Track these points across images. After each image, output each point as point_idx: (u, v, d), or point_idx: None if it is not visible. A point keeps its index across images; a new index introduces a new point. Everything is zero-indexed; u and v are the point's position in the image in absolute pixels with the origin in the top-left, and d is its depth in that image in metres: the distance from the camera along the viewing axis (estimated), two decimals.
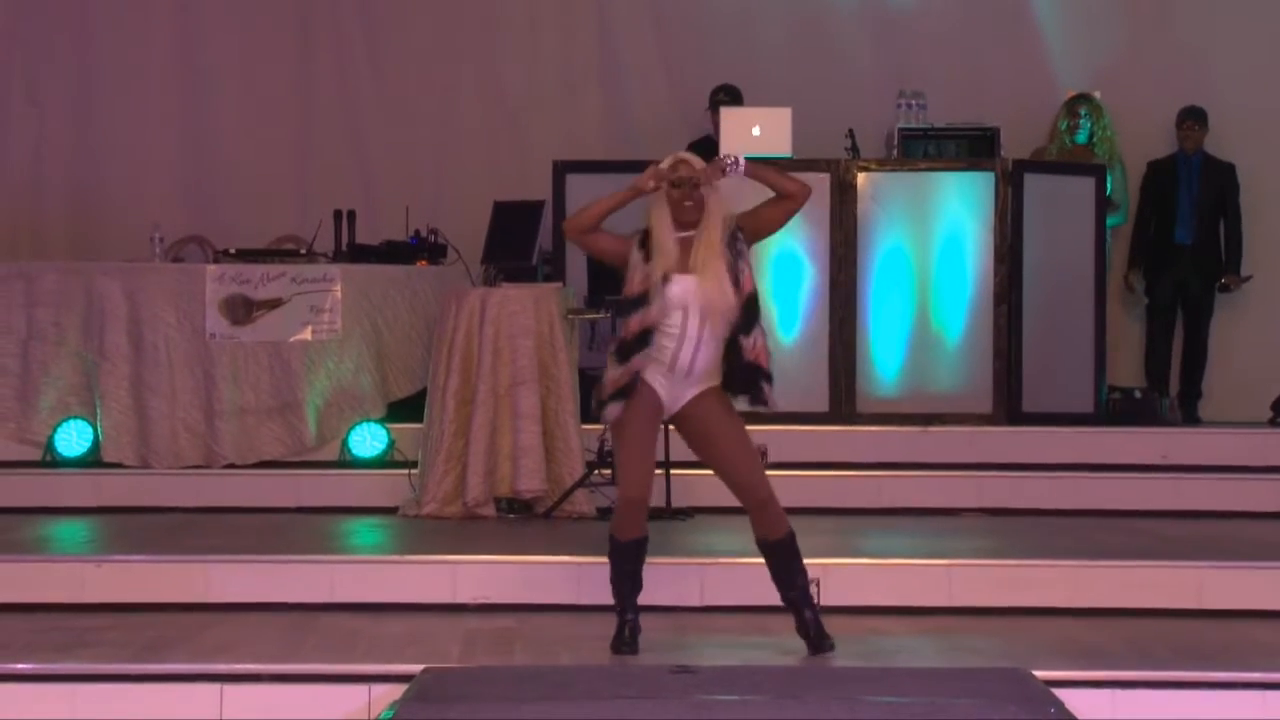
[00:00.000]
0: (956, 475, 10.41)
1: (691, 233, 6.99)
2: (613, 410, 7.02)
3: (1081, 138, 12.18)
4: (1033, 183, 11.28)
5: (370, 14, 13.13)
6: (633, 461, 7.07)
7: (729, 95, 12.22)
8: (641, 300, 6.97)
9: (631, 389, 6.98)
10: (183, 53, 13.11)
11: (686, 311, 6.94)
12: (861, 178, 11.23)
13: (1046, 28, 12.93)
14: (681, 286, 6.94)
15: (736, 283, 6.95)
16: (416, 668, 6.65)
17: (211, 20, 13.12)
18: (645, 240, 7.03)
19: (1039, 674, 6.58)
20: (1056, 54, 12.85)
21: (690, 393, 7.04)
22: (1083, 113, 12.18)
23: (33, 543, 9.06)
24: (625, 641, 7.10)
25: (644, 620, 7.14)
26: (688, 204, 6.98)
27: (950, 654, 7.18)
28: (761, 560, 8.05)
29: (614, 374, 7.01)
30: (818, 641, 7.06)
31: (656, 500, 9.55)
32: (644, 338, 6.97)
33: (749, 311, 7.01)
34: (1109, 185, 11.93)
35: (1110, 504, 10.20)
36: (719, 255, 6.95)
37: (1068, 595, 8.07)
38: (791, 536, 7.11)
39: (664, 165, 7.06)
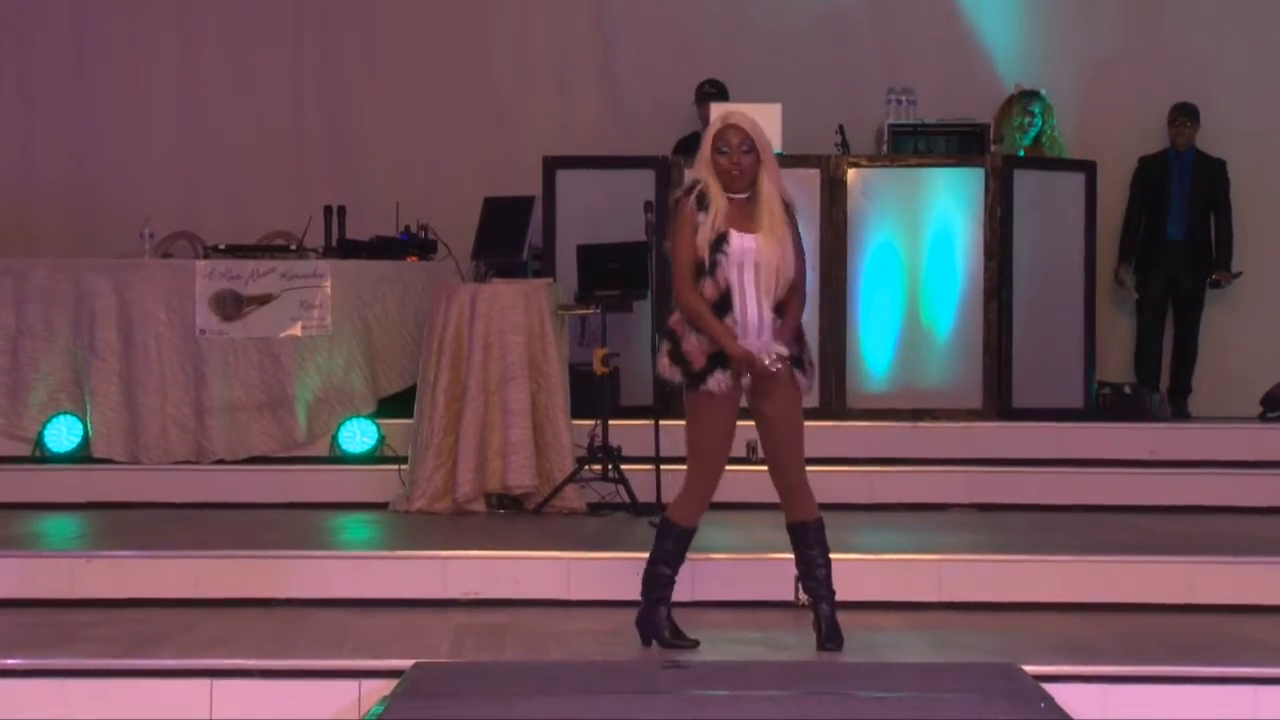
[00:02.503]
0: (947, 471, 10.40)
1: (743, 195, 6.87)
2: (720, 381, 6.83)
3: (1029, 138, 12.14)
4: (1022, 179, 11.29)
5: (363, 10, 13.11)
6: (708, 452, 6.94)
7: (715, 89, 12.22)
8: (707, 267, 6.81)
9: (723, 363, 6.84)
10: (175, 49, 13.09)
11: (741, 268, 6.80)
12: (852, 174, 11.23)
13: (1038, 24, 12.93)
14: (740, 244, 6.81)
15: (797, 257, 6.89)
16: (407, 663, 6.65)
17: (205, 16, 13.10)
18: (702, 200, 6.86)
19: (1030, 669, 6.59)
20: (1048, 50, 12.84)
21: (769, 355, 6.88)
22: (1035, 110, 12.15)
23: (23, 538, 9.05)
24: (677, 634, 7.06)
25: (633, 615, 7.13)
26: (735, 173, 6.83)
27: (941, 649, 7.18)
28: (753, 555, 8.07)
29: (699, 343, 6.84)
30: (826, 636, 7.02)
31: (646, 496, 9.60)
32: (724, 304, 6.82)
33: (800, 293, 6.95)
34: None
35: (1100, 499, 10.20)
36: (782, 220, 6.86)
37: (1058, 590, 8.07)
38: (818, 523, 7.03)
39: (710, 132, 6.88)
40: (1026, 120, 12.09)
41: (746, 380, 6.85)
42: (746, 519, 8.92)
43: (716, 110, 11.11)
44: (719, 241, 6.81)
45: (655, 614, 7.09)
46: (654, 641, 7.07)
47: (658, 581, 7.08)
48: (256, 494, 10.22)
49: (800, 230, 7.02)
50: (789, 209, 6.93)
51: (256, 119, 13.04)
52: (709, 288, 6.83)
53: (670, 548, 7.07)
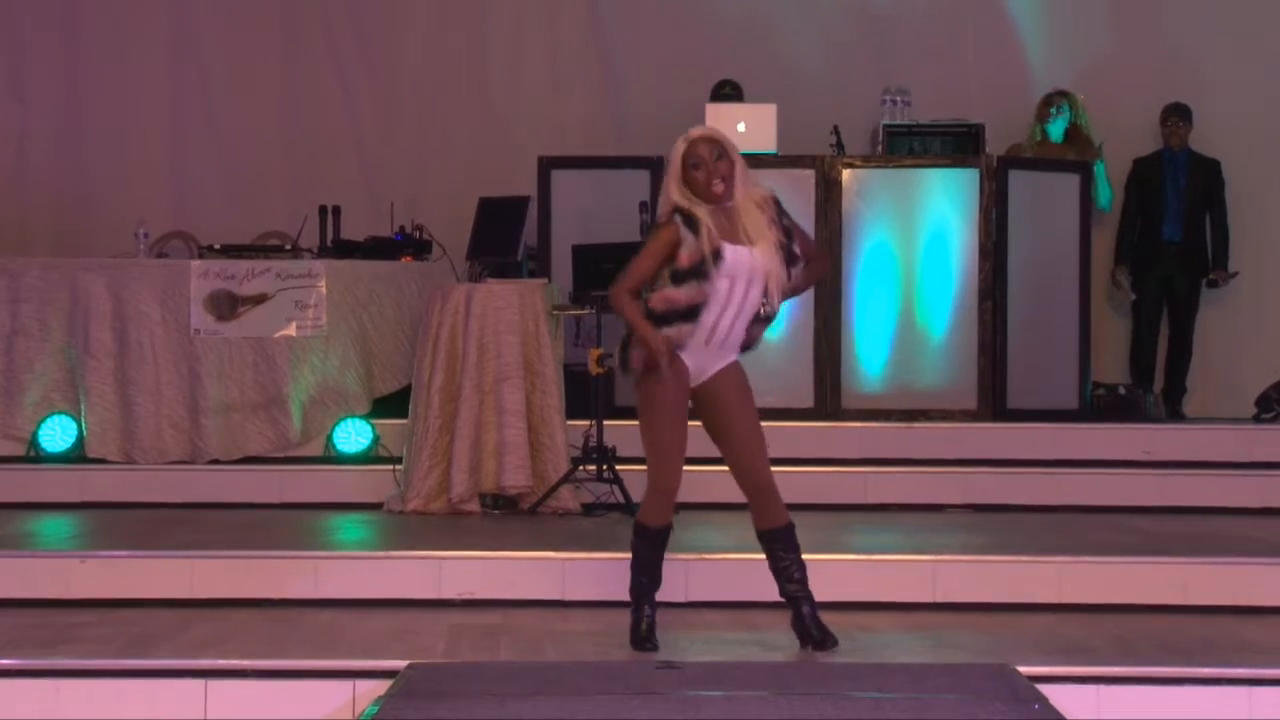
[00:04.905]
0: (941, 471, 10.41)
1: (727, 204, 6.80)
2: (637, 356, 6.82)
3: (1053, 132, 12.18)
4: (1017, 179, 11.30)
5: (358, 10, 13.12)
6: (670, 452, 6.91)
7: (733, 90, 12.25)
8: (695, 273, 6.73)
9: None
10: (168, 48, 13.11)
11: (734, 280, 6.75)
12: (847, 174, 11.23)
13: (1031, 25, 12.95)
14: (734, 256, 6.75)
15: (792, 254, 6.82)
16: (401, 663, 6.64)
17: (199, 16, 13.11)
18: (688, 219, 6.77)
19: (1024, 670, 6.59)
20: (1041, 51, 12.87)
21: (717, 365, 6.89)
22: (1054, 106, 12.20)
23: (17, 538, 9.04)
24: (645, 637, 7.00)
25: (628, 616, 7.11)
26: (715, 184, 6.75)
27: (935, 650, 7.18)
28: (746, 556, 8.05)
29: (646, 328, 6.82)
30: (819, 638, 7.00)
31: (641, 496, 9.56)
32: (692, 312, 6.79)
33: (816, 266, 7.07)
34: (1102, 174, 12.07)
35: (1095, 500, 10.21)
36: (768, 224, 6.79)
37: (1052, 591, 8.07)
38: (791, 528, 7.02)
39: (677, 155, 6.80)
40: (1051, 111, 12.15)
41: (638, 364, 6.84)
42: (739, 520, 8.88)
43: (710, 115, 11.18)
44: (715, 255, 6.73)
45: (638, 611, 7.08)
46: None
47: (638, 588, 7.08)
48: (251, 494, 10.22)
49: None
50: (769, 203, 6.87)
51: (251, 119, 13.05)
52: (685, 293, 6.77)
53: (646, 553, 7.06)
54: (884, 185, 11.29)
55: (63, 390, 10.70)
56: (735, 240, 6.80)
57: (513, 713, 5.98)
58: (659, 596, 7.12)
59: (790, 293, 6.96)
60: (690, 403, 6.97)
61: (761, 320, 6.92)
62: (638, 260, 6.85)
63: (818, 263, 7.17)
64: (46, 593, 8.02)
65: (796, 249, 6.86)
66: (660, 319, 6.81)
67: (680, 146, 6.84)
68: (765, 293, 6.86)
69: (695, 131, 6.89)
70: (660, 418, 6.90)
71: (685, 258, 6.76)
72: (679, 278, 6.77)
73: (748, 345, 7.00)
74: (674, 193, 6.84)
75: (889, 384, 11.14)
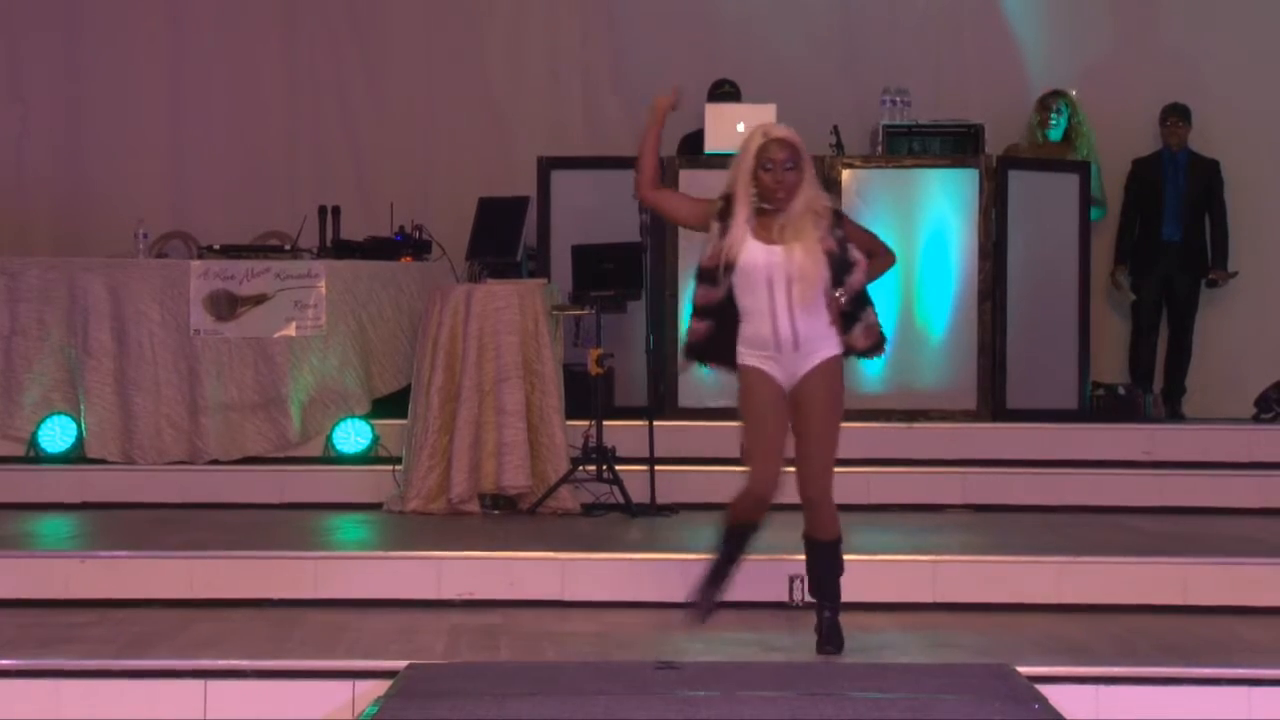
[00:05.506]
0: (941, 471, 10.41)
1: (774, 208, 6.76)
2: (683, 364, 7.04)
3: (1054, 134, 12.19)
4: (1017, 179, 11.29)
5: (357, 10, 13.11)
6: (757, 455, 6.90)
7: (731, 89, 12.25)
8: (711, 275, 6.79)
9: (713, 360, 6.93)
10: (168, 48, 13.10)
11: (771, 283, 6.74)
12: (846, 175, 11.23)
13: (1031, 25, 12.94)
14: (765, 256, 6.73)
15: (846, 261, 6.77)
16: (401, 663, 6.65)
17: (198, 17, 13.10)
18: (726, 210, 6.81)
19: (1023, 670, 6.59)
20: (1041, 52, 12.86)
21: (805, 366, 6.85)
22: (1054, 108, 12.20)
23: (17, 538, 9.05)
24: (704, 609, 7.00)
25: (628, 616, 7.13)
26: (780, 192, 6.73)
27: (935, 650, 7.18)
28: (746, 557, 8.07)
29: (696, 327, 6.92)
30: (825, 637, 7.01)
31: (640, 497, 9.61)
32: (742, 315, 6.81)
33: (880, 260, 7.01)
34: (1095, 183, 11.99)
35: (1094, 500, 10.21)
36: (811, 229, 6.72)
37: (1052, 591, 8.07)
38: (835, 543, 7.00)
39: (752, 145, 6.77)
40: (1043, 117, 12.16)
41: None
42: None
43: (710, 115, 11.18)
44: (728, 267, 6.75)
45: (716, 569, 7.01)
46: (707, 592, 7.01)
47: (712, 569, 7.05)
48: (251, 494, 10.22)
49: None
50: (827, 213, 6.81)
51: (250, 119, 13.04)
52: (699, 295, 6.85)
53: (723, 547, 7.01)
54: (884, 185, 11.29)
55: (62, 390, 10.69)
56: (770, 240, 6.77)
57: (512, 712, 5.99)
58: (657, 596, 7.10)
59: (861, 285, 6.89)
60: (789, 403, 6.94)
61: (847, 311, 6.86)
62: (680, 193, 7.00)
63: (882, 256, 7.09)
64: (46, 593, 8.02)
65: (851, 257, 6.81)
66: (702, 313, 6.86)
67: (758, 140, 6.80)
68: (839, 285, 6.81)
69: (776, 130, 6.83)
70: (746, 421, 6.93)
71: (709, 256, 6.81)
72: (703, 276, 6.83)
73: (862, 349, 7.00)
74: (739, 182, 6.80)
75: (889, 384, 11.12)
